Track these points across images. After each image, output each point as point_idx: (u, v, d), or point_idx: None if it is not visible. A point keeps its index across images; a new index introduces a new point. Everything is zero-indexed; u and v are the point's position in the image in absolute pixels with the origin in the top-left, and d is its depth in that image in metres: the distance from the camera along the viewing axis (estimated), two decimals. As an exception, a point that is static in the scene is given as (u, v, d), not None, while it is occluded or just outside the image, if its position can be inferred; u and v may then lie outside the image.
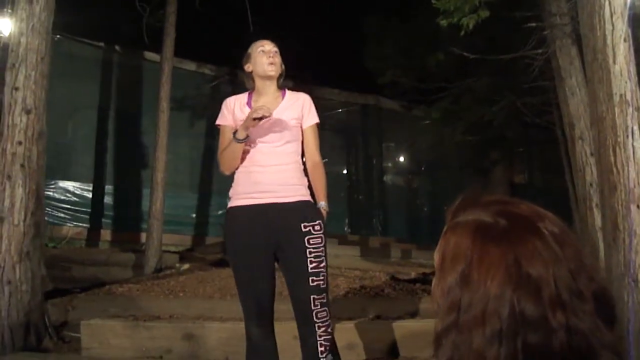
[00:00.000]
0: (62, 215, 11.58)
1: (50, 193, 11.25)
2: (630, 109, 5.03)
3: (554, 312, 1.15)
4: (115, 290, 7.85)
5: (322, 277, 3.96)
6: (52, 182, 11.39)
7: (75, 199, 11.78)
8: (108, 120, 12.46)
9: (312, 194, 4.24)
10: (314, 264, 3.93)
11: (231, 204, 4.17)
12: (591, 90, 5.49)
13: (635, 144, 5.01)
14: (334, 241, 13.01)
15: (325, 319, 3.94)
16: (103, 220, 11.96)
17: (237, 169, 4.18)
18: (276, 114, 4.11)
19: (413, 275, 9.18)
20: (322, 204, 4.19)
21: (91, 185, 12.06)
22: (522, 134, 14.62)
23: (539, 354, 1.15)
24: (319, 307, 3.92)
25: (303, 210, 4.05)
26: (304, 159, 4.28)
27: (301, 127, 4.24)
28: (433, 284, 1.36)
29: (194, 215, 13.09)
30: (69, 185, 11.78)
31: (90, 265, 9.42)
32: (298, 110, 4.22)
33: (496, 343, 1.16)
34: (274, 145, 4.09)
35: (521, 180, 18.13)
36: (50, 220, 10.98)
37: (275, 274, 4.19)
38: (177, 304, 7.26)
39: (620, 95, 5.09)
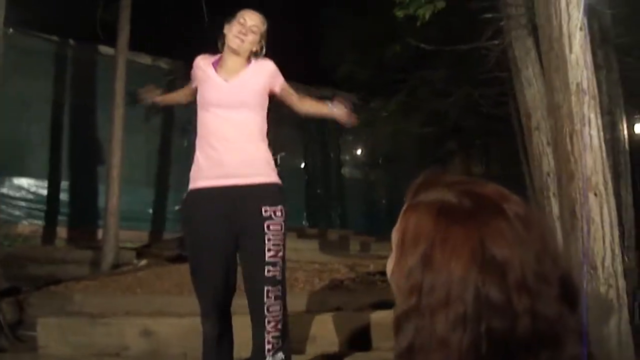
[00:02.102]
0: (17, 213, 11.41)
1: (4, 190, 11.09)
2: (587, 97, 5.07)
3: (520, 296, 1.13)
4: (72, 287, 7.75)
5: (278, 268, 3.80)
6: (6, 179, 11.22)
7: (30, 196, 11.61)
8: (63, 115, 12.30)
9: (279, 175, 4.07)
10: (272, 252, 3.76)
11: (191, 185, 3.98)
12: (548, 79, 5.53)
13: (592, 132, 5.05)
14: (292, 235, 12.96)
15: (276, 313, 3.78)
16: (59, 217, 11.81)
17: (196, 144, 4.01)
18: (239, 81, 3.96)
19: (372, 267, 9.18)
20: (330, 106, 4.14)
21: (46, 181, 11.90)
22: (479, 125, 14.71)
23: (503, 340, 1.12)
24: (272, 299, 3.76)
25: (265, 192, 3.87)
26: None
27: (272, 93, 4.10)
28: (389, 264, 1.32)
29: (150, 211, 12.99)
30: (24, 182, 11.61)
31: (46, 263, 9.30)
32: (263, 76, 4.05)
33: (460, 328, 1.13)
34: (234, 113, 3.91)
35: (479, 171, 18.25)
36: (5, 217, 10.82)
37: (237, 265, 4.01)
38: (134, 300, 7.20)
39: (577, 84, 5.12)
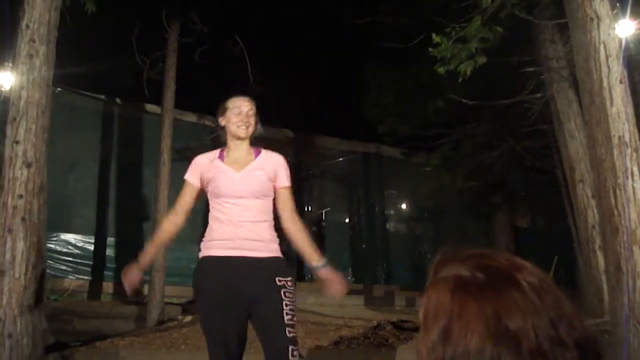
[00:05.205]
0: (64, 267, 11.54)
1: (52, 245, 11.22)
2: (629, 150, 5.05)
3: None
4: (117, 343, 7.80)
5: (295, 330, 3.95)
6: (54, 235, 11.37)
7: (77, 251, 11.75)
8: (109, 172, 12.49)
9: (282, 251, 4.20)
10: (290, 316, 3.92)
11: (203, 253, 4.14)
12: (589, 133, 5.52)
13: (635, 185, 5.02)
14: (337, 290, 12.95)
15: None
16: (105, 272, 11.92)
17: (210, 218, 4.20)
18: (247, 171, 4.16)
19: (417, 323, 9.10)
20: (319, 265, 4.12)
21: (93, 237, 12.04)
22: (524, 178, 14.65)
23: None
24: (297, 357, 3.87)
25: (276, 265, 4.06)
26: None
27: (275, 187, 4.24)
28: (417, 340, 1.35)
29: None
30: (71, 237, 11.76)
31: (92, 318, 9.37)
32: (270, 169, 4.22)
33: None
34: (246, 200, 4.11)
35: (524, 224, 18.10)
36: (52, 272, 10.93)
37: (247, 325, 4.14)
38: (179, 357, 7.21)
39: (619, 137, 5.11)
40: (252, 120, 4.23)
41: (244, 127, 4.19)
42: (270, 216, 4.22)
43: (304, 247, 4.16)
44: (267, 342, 3.99)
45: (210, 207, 4.23)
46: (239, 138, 4.22)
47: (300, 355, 3.91)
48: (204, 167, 4.26)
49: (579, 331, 1.20)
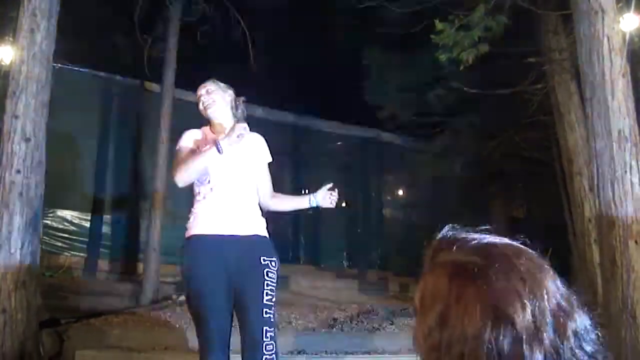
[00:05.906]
0: (60, 244, 11.51)
1: (48, 222, 11.19)
2: (629, 144, 5.05)
3: (532, 350, 1.13)
4: (111, 320, 7.81)
5: (273, 311, 4.02)
6: (50, 211, 11.33)
7: (73, 228, 11.72)
8: (107, 149, 12.45)
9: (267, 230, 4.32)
10: (269, 297, 4.00)
11: (191, 232, 4.20)
12: (589, 125, 5.51)
13: (633, 179, 5.02)
14: (331, 275, 12.97)
15: (272, 352, 3.93)
16: (101, 250, 11.88)
17: (196, 199, 4.26)
18: (234, 149, 4.20)
19: (411, 309, 9.12)
20: (312, 196, 4.45)
21: (89, 214, 12.00)
22: (522, 168, 14.63)
23: None
24: (268, 339, 3.92)
25: (262, 245, 4.16)
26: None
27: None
28: (414, 327, 1.34)
29: (191, 246, 12.97)
30: (67, 214, 11.73)
31: (86, 295, 9.38)
32: (252, 147, 4.34)
33: None
34: (233, 178, 4.19)
35: (520, 214, 18.08)
36: (48, 249, 10.89)
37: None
38: (172, 336, 7.21)
39: (619, 131, 5.11)
40: (214, 96, 4.39)
41: (208, 106, 4.36)
42: (255, 192, 4.33)
43: (287, 202, 4.48)
44: (243, 321, 4.06)
45: (198, 186, 4.29)
46: (214, 118, 4.40)
47: (272, 338, 3.96)
48: (198, 138, 4.40)
49: (575, 320, 1.20)
